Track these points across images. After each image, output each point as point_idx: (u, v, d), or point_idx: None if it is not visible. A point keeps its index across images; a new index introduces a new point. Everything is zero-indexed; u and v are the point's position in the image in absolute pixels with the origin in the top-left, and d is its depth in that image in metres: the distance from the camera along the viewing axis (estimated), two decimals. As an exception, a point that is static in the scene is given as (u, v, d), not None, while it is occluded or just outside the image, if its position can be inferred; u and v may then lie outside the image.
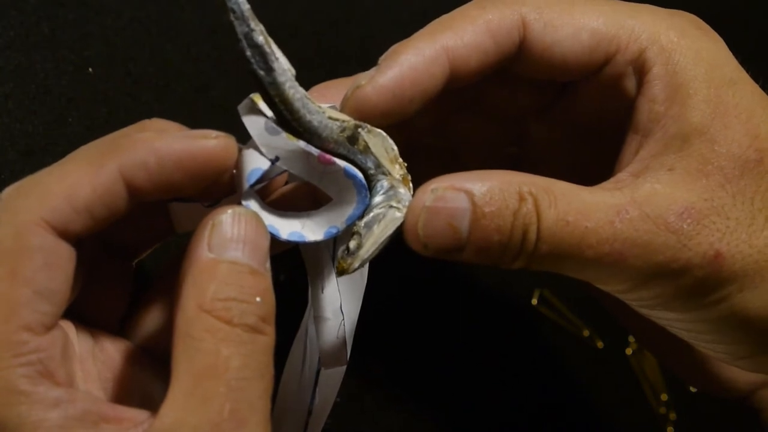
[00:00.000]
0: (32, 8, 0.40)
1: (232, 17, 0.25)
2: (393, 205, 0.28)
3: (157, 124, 0.27)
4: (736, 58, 0.30)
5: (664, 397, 0.48)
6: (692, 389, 0.49)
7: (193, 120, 0.43)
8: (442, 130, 0.36)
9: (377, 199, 0.28)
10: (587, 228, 0.27)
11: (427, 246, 0.27)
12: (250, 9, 0.25)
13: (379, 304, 0.42)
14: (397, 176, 0.29)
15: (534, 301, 0.48)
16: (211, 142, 0.26)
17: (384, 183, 0.28)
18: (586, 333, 0.48)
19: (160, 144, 0.25)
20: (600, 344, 0.48)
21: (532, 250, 0.27)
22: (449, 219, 0.27)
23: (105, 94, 0.41)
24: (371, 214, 0.28)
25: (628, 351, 0.49)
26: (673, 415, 0.48)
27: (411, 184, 0.29)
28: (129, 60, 0.42)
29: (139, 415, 0.25)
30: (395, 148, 0.29)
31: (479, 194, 0.27)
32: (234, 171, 0.27)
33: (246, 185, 0.27)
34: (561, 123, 0.35)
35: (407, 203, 0.28)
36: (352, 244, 0.28)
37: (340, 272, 0.28)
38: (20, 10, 0.40)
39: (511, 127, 0.36)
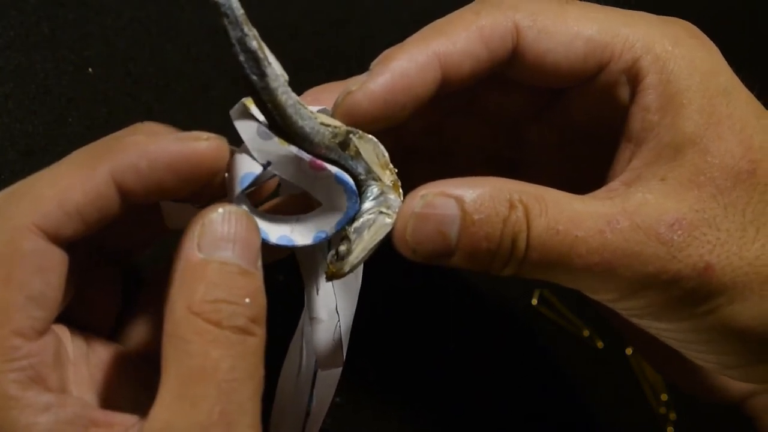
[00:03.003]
0: (32, 8, 0.41)
1: (225, 22, 0.25)
2: (383, 210, 0.28)
3: (148, 127, 0.27)
4: (731, 65, 0.30)
5: (664, 397, 0.48)
6: (690, 391, 0.49)
7: (193, 120, 0.43)
8: (435, 134, 0.36)
9: (367, 204, 0.28)
10: (577, 237, 0.26)
11: (415, 251, 0.27)
12: (244, 14, 0.25)
13: (378, 304, 0.42)
14: (388, 182, 0.29)
15: (534, 301, 0.48)
16: (203, 144, 0.26)
17: (374, 189, 0.28)
18: (586, 333, 0.48)
19: (151, 146, 0.25)
20: (600, 344, 0.48)
21: (521, 258, 0.27)
22: (438, 225, 0.27)
23: (105, 94, 0.41)
24: (361, 220, 0.28)
25: (628, 351, 0.49)
26: (673, 415, 0.48)
27: (401, 190, 0.29)
28: (129, 60, 0.42)
29: (129, 419, 0.25)
30: (386, 154, 0.29)
31: (469, 201, 0.26)
32: (226, 175, 0.27)
33: (238, 189, 0.27)
34: (555, 128, 0.35)
35: (397, 209, 0.28)
36: (342, 249, 0.28)
37: (330, 277, 0.28)
38: (20, 10, 0.40)
39: (504, 131, 0.36)
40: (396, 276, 0.43)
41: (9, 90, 0.39)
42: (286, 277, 0.39)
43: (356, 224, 0.28)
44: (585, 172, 0.33)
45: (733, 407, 0.39)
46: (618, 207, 0.27)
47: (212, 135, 0.26)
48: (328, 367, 0.32)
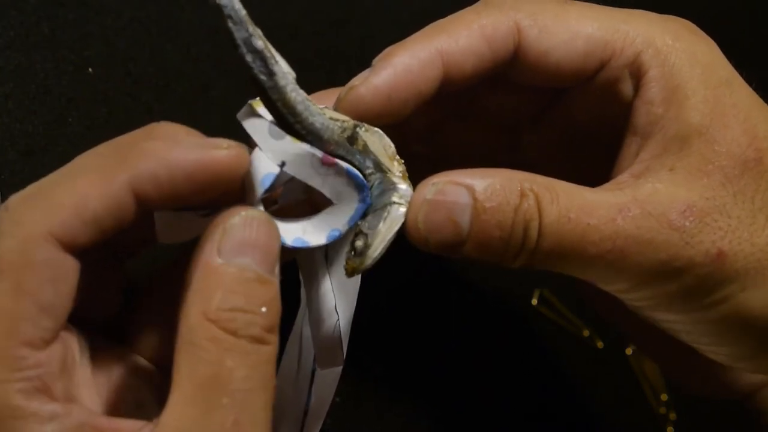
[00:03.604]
0: (32, 8, 0.40)
1: (229, 23, 0.25)
2: (395, 201, 0.28)
3: (166, 129, 0.27)
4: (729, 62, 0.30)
5: (664, 397, 0.48)
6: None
7: (193, 120, 0.43)
8: (435, 139, 0.36)
9: (379, 197, 0.28)
10: (589, 225, 0.27)
11: (428, 240, 0.27)
12: (247, 14, 0.25)
13: (379, 304, 0.42)
14: (397, 173, 0.29)
15: (534, 301, 0.48)
16: (223, 153, 0.25)
17: (384, 181, 0.28)
18: (586, 333, 0.48)
19: (171, 156, 0.25)
20: (600, 344, 0.48)
21: (533, 247, 0.27)
22: (450, 213, 0.27)
23: (105, 94, 0.41)
24: (375, 213, 0.28)
25: (628, 351, 0.49)
26: (673, 415, 0.48)
27: (410, 181, 0.29)
28: (129, 60, 0.42)
29: (134, 425, 0.24)
30: (392, 145, 0.29)
31: (480, 189, 0.27)
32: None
33: (260, 191, 0.26)
34: (556, 129, 0.35)
35: (410, 198, 0.28)
36: (359, 244, 0.28)
37: (351, 273, 0.28)
38: (20, 10, 0.40)
39: (505, 135, 0.36)
40: (397, 275, 0.43)
41: (9, 90, 0.39)
42: (286, 277, 0.39)
43: (370, 218, 0.28)
44: (586, 173, 0.33)
45: (733, 407, 0.39)
46: (629, 196, 0.27)
47: (232, 143, 0.26)
48: (328, 366, 0.32)
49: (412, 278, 0.45)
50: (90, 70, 0.41)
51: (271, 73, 0.26)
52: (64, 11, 0.41)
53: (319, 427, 0.33)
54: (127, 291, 0.31)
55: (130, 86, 0.42)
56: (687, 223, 0.27)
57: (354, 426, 0.42)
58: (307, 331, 0.32)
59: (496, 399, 0.45)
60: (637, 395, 0.48)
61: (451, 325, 0.45)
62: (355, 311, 0.31)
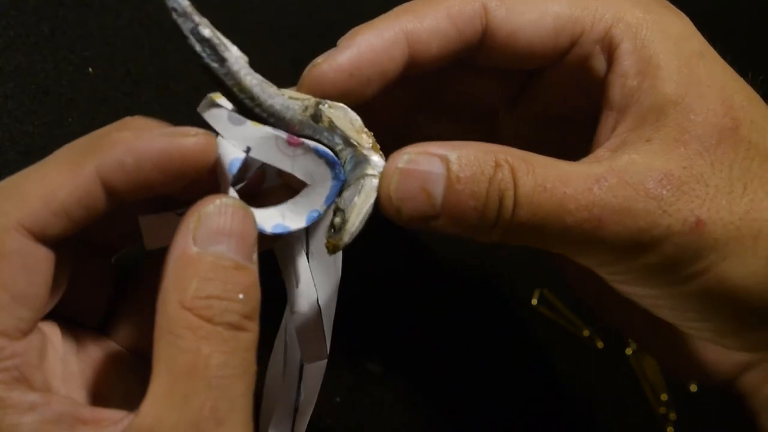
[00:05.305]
0: (32, 8, 0.41)
1: (174, 16, 0.25)
2: (369, 173, 0.28)
3: (137, 122, 0.27)
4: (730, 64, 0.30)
5: (664, 397, 0.48)
6: (692, 389, 0.49)
7: (193, 120, 0.43)
8: (406, 129, 0.36)
9: (353, 172, 0.28)
10: (566, 194, 0.26)
11: (400, 211, 0.27)
12: (191, 4, 0.25)
13: (378, 304, 0.42)
14: (367, 145, 0.28)
15: (534, 301, 0.48)
16: (190, 140, 0.26)
17: (355, 155, 0.28)
18: (586, 333, 0.48)
19: (138, 143, 0.25)
20: (600, 344, 0.48)
21: (509, 218, 0.27)
22: (423, 183, 0.26)
23: (105, 94, 0.41)
24: (350, 188, 0.28)
25: (628, 351, 0.49)
26: (673, 415, 0.48)
27: (382, 153, 0.29)
28: (129, 60, 0.42)
29: (117, 414, 0.25)
30: (359, 118, 0.29)
31: (454, 159, 0.26)
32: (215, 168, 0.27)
33: (229, 176, 0.26)
34: (532, 112, 0.35)
35: (382, 169, 0.28)
36: (336, 220, 0.28)
37: (332, 250, 0.28)
38: (20, 10, 0.40)
39: (481, 120, 0.36)
40: (396, 275, 0.43)
41: (9, 90, 0.39)
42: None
43: (346, 194, 0.28)
44: (565, 154, 0.33)
45: (732, 407, 0.39)
46: (605, 167, 0.27)
47: (200, 130, 0.26)
48: (313, 360, 0.31)
49: (411, 278, 0.45)
50: (90, 70, 0.41)
51: (222, 60, 0.26)
52: (64, 11, 0.41)
53: (307, 422, 0.33)
54: (117, 286, 0.31)
55: (130, 86, 0.42)
56: (664, 192, 0.27)
57: (354, 426, 0.42)
58: (292, 328, 0.31)
59: (496, 398, 0.45)
60: (637, 395, 0.48)
61: (451, 324, 0.45)
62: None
